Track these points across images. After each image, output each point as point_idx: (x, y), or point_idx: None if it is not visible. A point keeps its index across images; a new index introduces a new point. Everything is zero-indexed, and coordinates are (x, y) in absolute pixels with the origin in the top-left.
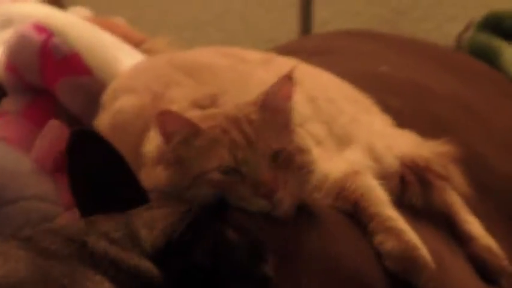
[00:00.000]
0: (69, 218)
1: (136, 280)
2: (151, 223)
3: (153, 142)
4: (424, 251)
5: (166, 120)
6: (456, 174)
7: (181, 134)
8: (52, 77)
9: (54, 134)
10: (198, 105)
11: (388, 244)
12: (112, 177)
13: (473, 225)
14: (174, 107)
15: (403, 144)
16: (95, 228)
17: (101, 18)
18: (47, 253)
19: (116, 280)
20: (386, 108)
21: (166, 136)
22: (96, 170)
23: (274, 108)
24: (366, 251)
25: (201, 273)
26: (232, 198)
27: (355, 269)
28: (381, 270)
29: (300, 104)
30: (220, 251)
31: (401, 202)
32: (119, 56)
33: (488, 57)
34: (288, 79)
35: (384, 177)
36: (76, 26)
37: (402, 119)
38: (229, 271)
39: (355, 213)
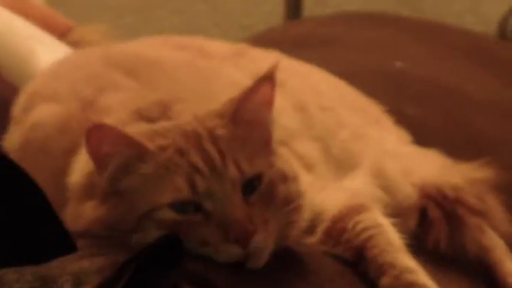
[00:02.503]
0: None
1: None
2: (78, 279)
3: (82, 168)
4: None
5: (100, 137)
6: (496, 208)
7: (121, 157)
8: None
9: None
10: (143, 116)
11: None
12: (24, 215)
13: None
14: (111, 119)
15: (425, 168)
16: (2, 286)
17: None
18: None
19: None
20: (403, 118)
21: (100, 160)
22: (0, 205)
23: (249, 121)
24: None
25: None
26: (192, 243)
27: None
28: None
29: (284, 115)
30: None
31: (422, 246)
32: (35, 49)
33: None
34: (267, 80)
35: (398, 213)
36: None
37: (423, 133)
38: None
39: (359, 263)
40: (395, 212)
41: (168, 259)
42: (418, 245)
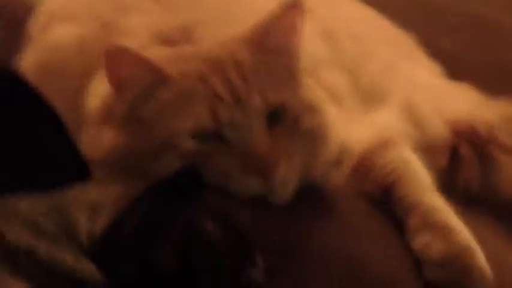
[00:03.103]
0: None
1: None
2: (93, 209)
3: (99, 91)
4: (480, 258)
5: (119, 60)
6: None
7: (140, 82)
8: None
9: None
10: (164, 40)
11: (433, 247)
12: (37, 137)
13: None
14: (131, 42)
15: (458, 104)
16: (14, 215)
17: None
18: None
19: (42, 286)
20: (437, 51)
21: (119, 84)
22: (13, 126)
23: (274, 48)
24: (400, 254)
25: (163, 280)
26: (212, 175)
27: (384, 278)
28: (420, 280)
29: (311, 42)
30: (191, 250)
31: (452, 186)
32: None
33: None
34: (295, 6)
35: (428, 149)
36: None
37: (458, 68)
38: (203, 277)
39: (386, 200)
40: (425, 149)
41: (187, 192)
42: (448, 185)
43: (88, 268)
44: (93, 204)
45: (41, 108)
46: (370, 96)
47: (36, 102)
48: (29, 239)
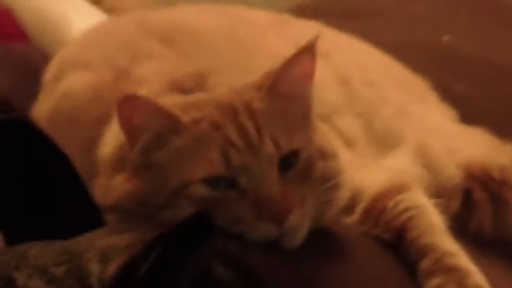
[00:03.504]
0: None
1: None
2: (105, 255)
3: (112, 139)
4: None
5: (132, 108)
6: None
7: (153, 130)
8: None
9: None
10: (178, 87)
11: None
12: (51, 187)
13: None
14: (144, 90)
15: (471, 147)
16: (26, 261)
17: None
18: None
19: None
20: (449, 95)
21: (132, 132)
22: (28, 175)
23: (287, 94)
24: None
25: None
26: (226, 221)
27: None
28: None
29: (326, 88)
30: None
31: (465, 229)
32: (68, 15)
33: None
34: (308, 51)
35: (441, 194)
36: None
37: (471, 112)
38: None
39: (399, 244)
40: (438, 193)
41: (199, 237)
42: (461, 228)
43: None
44: (105, 250)
45: (55, 156)
46: (383, 141)
47: (50, 150)
48: (39, 285)
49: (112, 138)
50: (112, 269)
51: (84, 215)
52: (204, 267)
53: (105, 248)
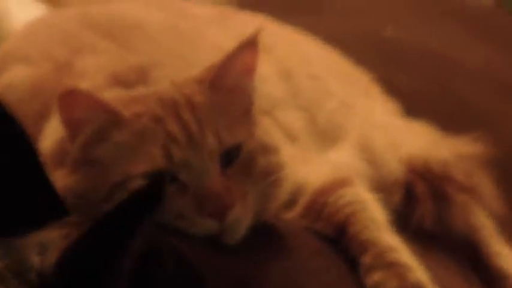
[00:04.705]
0: None
1: None
2: (44, 247)
3: (53, 134)
4: None
5: (73, 102)
6: (486, 186)
7: (94, 124)
8: None
9: None
10: (119, 81)
11: (386, 285)
12: (11, 172)
13: (507, 259)
14: (86, 84)
15: (414, 141)
16: None
17: None
18: None
19: None
20: (392, 88)
21: (73, 126)
22: None
23: (229, 88)
24: None
25: None
26: (167, 216)
27: None
28: None
29: (268, 82)
30: (147, 280)
31: (407, 223)
32: (10, 8)
33: None
34: (250, 45)
35: (383, 188)
36: None
37: (413, 105)
38: None
39: (340, 239)
40: (380, 187)
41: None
42: (403, 222)
43: None
44: (44, 242)
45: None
46: (326, 135)
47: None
48: None
49: (52, 132)
50: (51, 258)
51: (48, 205)
52: (149, 247)
53: (44, 240)
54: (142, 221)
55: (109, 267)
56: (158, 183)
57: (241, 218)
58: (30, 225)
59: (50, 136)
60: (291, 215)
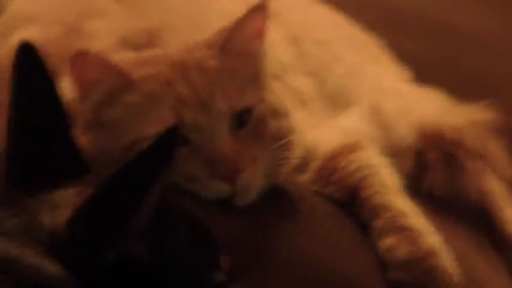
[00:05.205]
0: None
1: (32, 286)
2: (56, 205)
3: (63, 95)
4: (448, 261)
5: (84, 65)
6: (498, 152)
7: (106, 86)
8: None
9: None
10: (130, 43)
11: (398, 249)
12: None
13: None
14: (96, 46)
15: (424, 107)
16: None
17: None
18: None
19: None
20: (402, 56)
21: (84, 87)
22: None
23: (239, 52)
24: (365, 258)
25: (128, 272)
26: (178, 179)
27: (348, 279)
28: (385, 282)
29: (277, 47)
30: (163, 241)
31: (418, 189)
32: None
33: None
34: (260, 10)
35: (395, 153)
36: None
37: (424, 73)
38: (172, 272)
39: (352, 203)
40: (392, 153)
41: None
42: (415, 189)
43: (51, 268)
44: (55, 202)
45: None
46: (336, 100)
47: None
48: None
49: (63, 93)
50: (63, 217)
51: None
52: (161, 207)
53: (57, 199)
54: (155, 179)
55: (121, 226)
56: (169, 140)
57: (252, 181)
58: (49, 182)
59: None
60: (302, 179)
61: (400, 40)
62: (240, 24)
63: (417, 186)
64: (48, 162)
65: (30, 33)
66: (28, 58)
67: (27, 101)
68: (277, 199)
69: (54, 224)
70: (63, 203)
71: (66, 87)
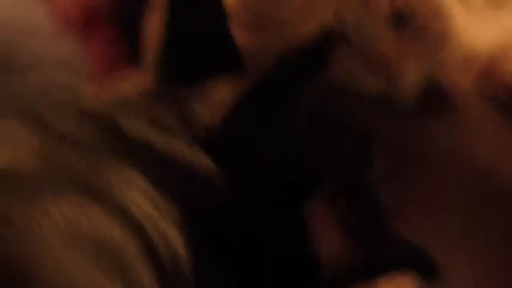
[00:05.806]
0: (96, 92)
1: (190, 181)
2: (213, 102)
3: None
4: None
5: None
6: None
7: None
8: None
9: None
10: None
11: None
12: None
13: None
14: None
15: None
16: (135, 111)
17: None
18: (64, 138)
19: (158, 179)
20: None
21: None
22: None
23: None
24: None
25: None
26: (337, 77)
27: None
28: None
29: None
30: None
31: None
32: None
33: None
34: None
35: None
36: None
37: None
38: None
39: None
40: None
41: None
42: None
43: (203, 160)
44: (211, 100)
45: None
46: None
47: None
48: (148, 134)
49: None
50: (218, 114)
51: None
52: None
53: (211, 95)
54: (311, 78)
55: (277, 125)
56: (328, 41)
57: (412, 80)
58: (204, 75)
59: None
60: (465, 80)
61: None
62: None
63: None
64: (204, 55)
65: None
66: None
67: None
68: (438, 101)
69: (211, 120)
70: (219, 99)
71: None
